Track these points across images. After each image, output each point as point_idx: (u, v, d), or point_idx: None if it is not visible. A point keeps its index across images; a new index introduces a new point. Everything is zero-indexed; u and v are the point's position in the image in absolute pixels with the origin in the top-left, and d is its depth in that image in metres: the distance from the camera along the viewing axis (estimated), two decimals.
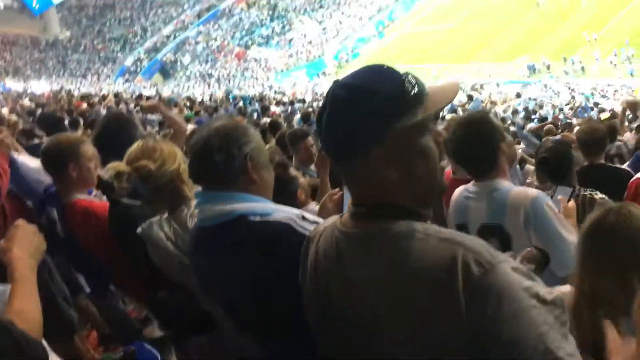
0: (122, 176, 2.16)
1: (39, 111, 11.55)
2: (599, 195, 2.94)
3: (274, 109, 13.77)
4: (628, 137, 7.16)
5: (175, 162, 2.22)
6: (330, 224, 1.33)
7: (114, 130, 2.87)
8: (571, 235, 2.19)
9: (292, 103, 17.08)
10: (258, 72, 47.33)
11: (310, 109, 11.99)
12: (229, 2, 54.49)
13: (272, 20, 52.27)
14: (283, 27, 51.21)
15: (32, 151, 3.84)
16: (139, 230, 2.19)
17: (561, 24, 33.09)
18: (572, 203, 2.54)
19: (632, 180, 3.69)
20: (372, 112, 1.12)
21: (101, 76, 46.50)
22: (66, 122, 8.97)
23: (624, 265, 1.64)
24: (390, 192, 1.16)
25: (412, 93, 1.13)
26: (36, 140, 5.46)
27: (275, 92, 29.45)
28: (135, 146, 2.25)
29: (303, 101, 19.50)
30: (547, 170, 3.27)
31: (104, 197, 2.99)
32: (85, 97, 17.19)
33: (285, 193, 3.05)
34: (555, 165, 3.19)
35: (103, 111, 12.54)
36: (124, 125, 2.87)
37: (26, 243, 1.73)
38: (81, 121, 8.78)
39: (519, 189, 2.38)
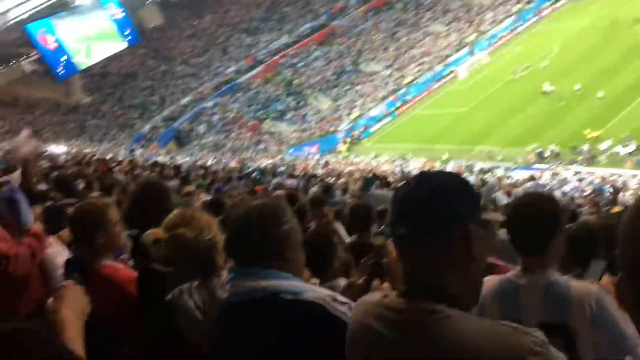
0: (159, 243, 2.20)
1: (55, 174, 11.70)
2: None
3: (288, 181, 13.94)
4: None
5: (212, 232, 2.26)
6: (374, 301, 1.35)
7: (151, 198, 2.92)
8: (630, 329, 2.03)
9: (304, 177, 17.28)
10: (271, 144, 48.13)
11: (326, 182, 12.21)
12: (246, 77, 56.23)
13: (287, 95, 53.68)
14: (298, 103, 52.51)
15: (48, 213, 3.93)
16: (169, 297, 2.21)
17: (569, 116, 33.69)
18: (606, 279, 2.41)
19: None
20: (467, 197, 1.28)
21: (117, 141, 47.34)
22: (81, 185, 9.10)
23: None
24: (450, 277, 1.25)
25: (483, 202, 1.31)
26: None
27: (287, 166, 29.75)
28: (174, 214, 2.30)
29: (315, 176, 19.72)
30: (578, 249, 2.89)
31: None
32: (102, 162, 17.48)
33: (326, 255, 3.20)
34: (590, 242, 2.95)
35: (119, 175, 12.75)
36: (159, 193, 2.92)
37: (75, 304, 1.72)
38: (96, 184, 8.93)
39: (579, 283, 2.17)
